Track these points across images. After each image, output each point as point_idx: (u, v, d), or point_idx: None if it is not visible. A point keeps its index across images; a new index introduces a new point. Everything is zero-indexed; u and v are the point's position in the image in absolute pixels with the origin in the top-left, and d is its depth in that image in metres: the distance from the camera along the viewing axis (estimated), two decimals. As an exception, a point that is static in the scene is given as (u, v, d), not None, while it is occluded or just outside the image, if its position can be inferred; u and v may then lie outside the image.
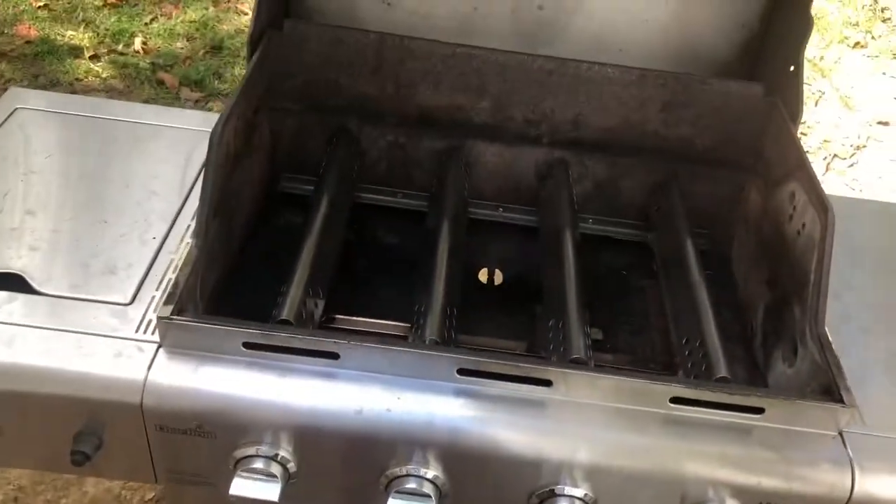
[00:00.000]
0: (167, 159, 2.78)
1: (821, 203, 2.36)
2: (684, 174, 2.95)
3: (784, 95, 2.76)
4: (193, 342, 2.06)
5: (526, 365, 2.05)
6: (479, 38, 2.84)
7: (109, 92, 6.47)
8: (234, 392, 2.04)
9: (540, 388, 2.08)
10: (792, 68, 2.73)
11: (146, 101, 6.35)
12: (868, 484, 2.05)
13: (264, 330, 2.05)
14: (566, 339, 2.30)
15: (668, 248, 2.85)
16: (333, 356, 2.06)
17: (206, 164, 2.24)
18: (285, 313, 2.20)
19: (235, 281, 2.61)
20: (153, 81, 6.69)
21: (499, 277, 2.93)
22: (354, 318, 2.53)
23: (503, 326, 2.70)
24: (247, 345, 2.06)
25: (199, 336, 2.05)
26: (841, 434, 2.11)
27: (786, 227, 2.57)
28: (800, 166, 2.55)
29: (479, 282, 2.90)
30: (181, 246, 2.40)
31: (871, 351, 2.41)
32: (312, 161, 2.94)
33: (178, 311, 2.06)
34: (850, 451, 2.08)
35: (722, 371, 2.22)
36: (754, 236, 2.82)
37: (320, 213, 2.64)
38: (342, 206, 2.81)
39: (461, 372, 2.06)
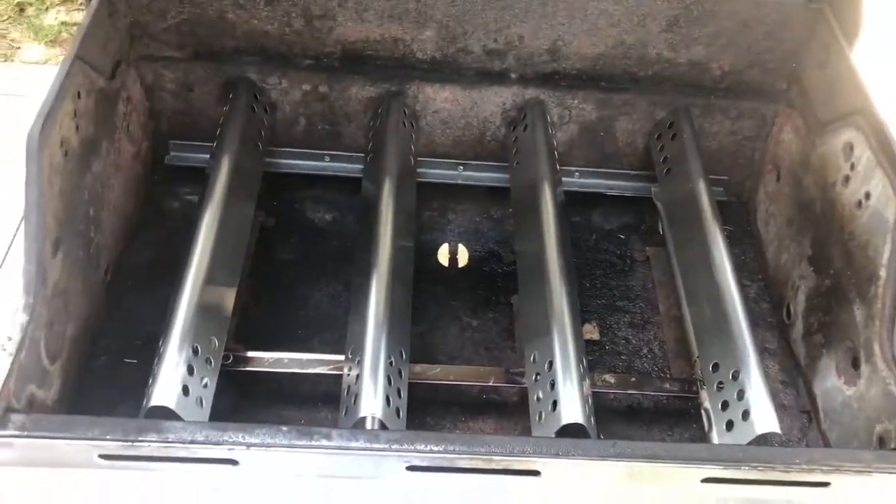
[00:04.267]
0: None
1: (896, 170, 1.71)
2: (696, 108, 2.26)
3: (835, 1, 2.04)
4: (30, 458, 1.45)
5: (501, 456, 1.46)
6: (414, -55, 2.08)
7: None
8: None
9: (524, 478, 1.49)
10: (845, -39, 2.00)
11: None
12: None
13: (126, 434, 1.43)
14: (555, 386, 1.70)
15: (678, 204, 2.21)
16: (230, 462, 1.45)
17: (26, 185, 1.55)
18: (161, 394, 1.57)
19: (114, 316, 1.99)
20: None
21: (463, 256, 2.30)
22: (271, 353, 1.90)
23: (471, 335, 2.10)
24: (105, 457, 1.44)
25: (35, 451, 1.43)
26: (930, 503, 1.56)
27: (839, 190, 1.93)
28: (860, 107, 1.87)
29: (439, 264, 2.27)
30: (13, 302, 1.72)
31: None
32: (206, 123, 2.23)
33: (4, 413, 1.44)
34: (943, 526, 1.54)
35: (770, 425, 1.64)
36: (789, 190, 2.18)
37: (217, 192, 1.97)
38: (249, 179, 2.13)
39: (412, 469, 1.47)
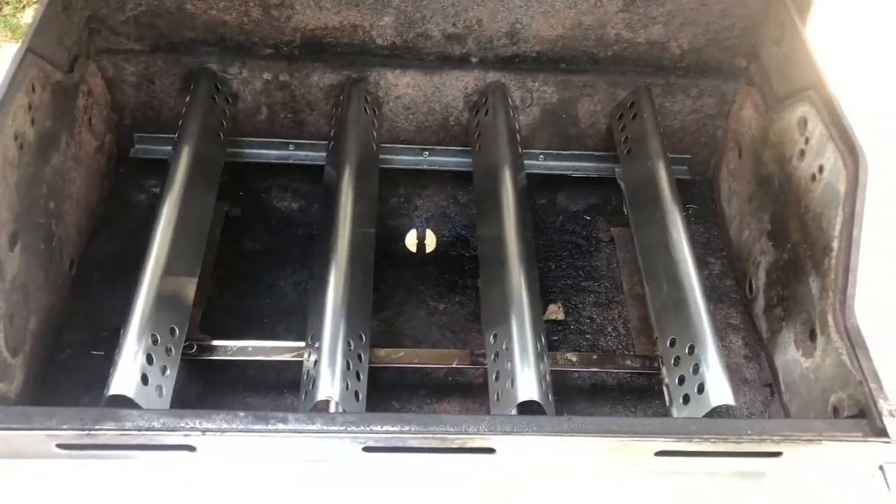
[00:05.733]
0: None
1: (846, 143, 1.73)
2: (657, 88, 2.27)
3: (787, -24, 2.05)
4: (-13, 448, 1.46)
5: (455, 434, 1.47)
6: (368, -69, 2.08)
7: None
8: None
9: (480, 456, 1.51)
10: (797, -63, 2.01)
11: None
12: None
13: (83, 423, 1.44)
14: (512, 364, 1.72)
15: (639, 184, 2.23)
16: (187, 448, 1.47)
17: (-21, 179, 1.56)
18: (119, 383, 1.59)
19: (80, 308, 2.00)
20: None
21: (431, 242, 2.31)
22: (236, 341, 1.92)
23: (438, 319, 2.12)
24: (63, 446, 1.46)
25: (-8, 441, 1.44)
26: (882, 469, 1.58)
27: (795, 164, 1.94)
28: (813, 82, 1.89)
29: (407, 250, 2.28)
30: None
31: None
32: (170, 114, 2.23)
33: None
34: None
35: (724, 397, 1.66)
36: (750, 166, 2.19)
37: (177, 183, 1.98)
38: (210, 169, 2.14)
39: (369, 450, 1.49)
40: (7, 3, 4.72)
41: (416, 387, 1.99)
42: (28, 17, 4.61)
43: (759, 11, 2.11)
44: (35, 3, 4.70)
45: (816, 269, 1.80)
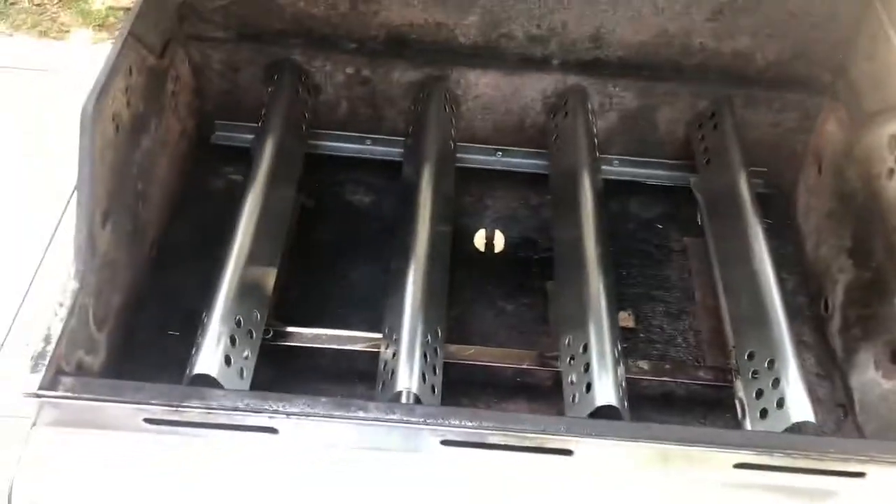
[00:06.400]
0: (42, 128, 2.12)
1: (943, 164, 1.70)
2: (739, 99, 2.25)
3: (884, -9, 2.02)
4: (77, 419, 1.50)
5: (534, 434, 1.47)
6: (460, -70, 2.10)
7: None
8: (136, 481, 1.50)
9: (556, 457, 1.51)
10: (895, -48, 1.98)
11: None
12: None
13: (171, 399, 1.47)
14: (589, 369, 1.72)
15: (718, 195, 2.21)
16: (270, 430, 1.49)
17: (79, 156, 1.60)
18: (204, 363, 1.61)
19: (157, 289, 2.03)
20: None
21: (500, 242, 2.31)
22: (310, 329, 1.94)
23: (505, 319, 2.12)
24: (150, 421, 1.48)
25: (83, 413, 1.48)
26: (967, 497, 1.55)
27: (882, 182, 1.91)
28: (907, 100, 1.86)
29: (476, 249, 2.29)
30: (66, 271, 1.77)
31: None
32: (251, 103, 2.27)
33: (54, 375, 1.48)
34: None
35: (804, 413, 1.64)
36: (831, 182, 2.16)
37: (261, 173, 2.01)
38: (292, 160, 2.17)
39: (447, 443, 1.49)
40: (79, -10, 4.80)
41: (483, 385, 2.00)
42: (98, 3, 4.70)
43: (851, 26, 2.08)
44: (107, -11, 4.79)
45: (903, 290, 1.77)
